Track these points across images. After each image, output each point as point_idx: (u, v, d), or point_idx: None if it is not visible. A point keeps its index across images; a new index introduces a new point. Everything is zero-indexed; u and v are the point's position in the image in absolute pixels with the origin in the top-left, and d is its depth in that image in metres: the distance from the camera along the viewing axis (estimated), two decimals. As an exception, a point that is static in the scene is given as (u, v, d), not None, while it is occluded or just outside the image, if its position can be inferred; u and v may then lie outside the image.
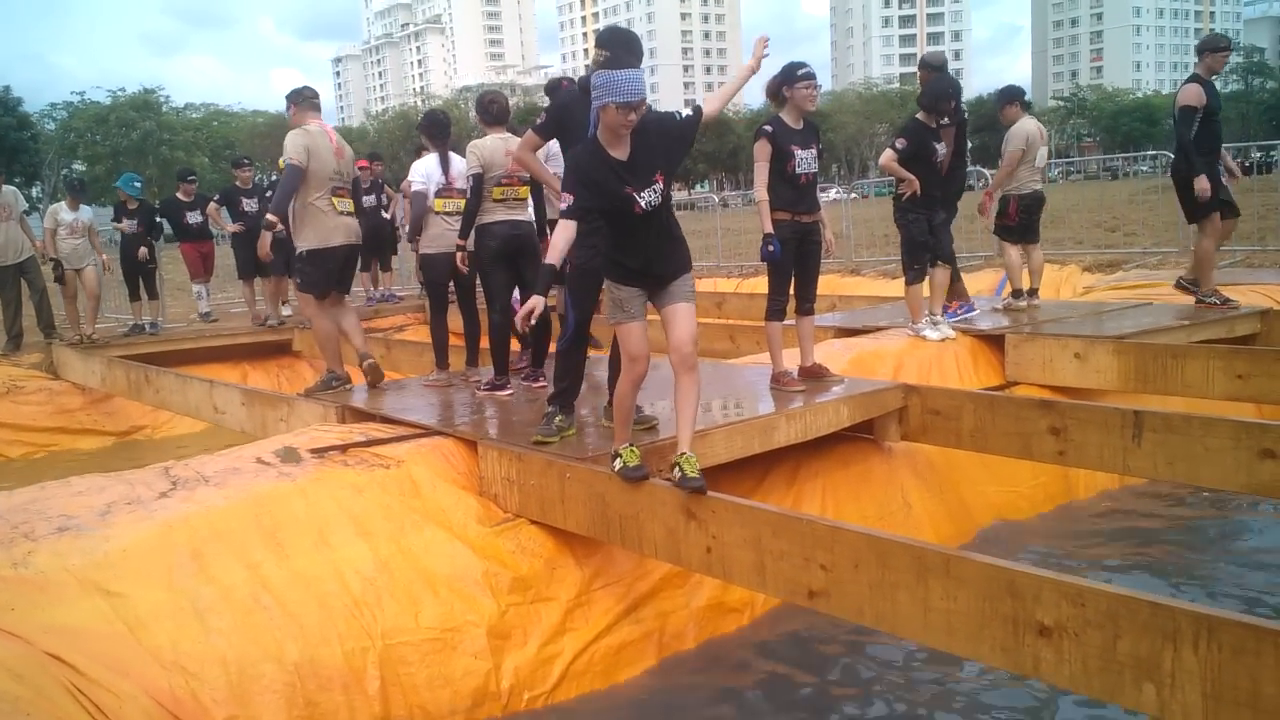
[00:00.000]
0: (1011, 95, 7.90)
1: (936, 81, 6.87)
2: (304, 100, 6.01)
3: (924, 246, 6.79)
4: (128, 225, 10.33)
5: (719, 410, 5.07)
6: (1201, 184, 6.96)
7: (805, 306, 5.59)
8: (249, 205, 10.61)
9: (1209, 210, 7.16)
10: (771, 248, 5.24)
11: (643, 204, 3.75)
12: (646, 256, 3.87)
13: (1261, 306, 7.29)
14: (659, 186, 3.79)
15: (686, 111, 3.90)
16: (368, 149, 23.81)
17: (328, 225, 5.92)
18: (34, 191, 54.99)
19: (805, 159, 5.31)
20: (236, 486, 4.18)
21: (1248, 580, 4.72)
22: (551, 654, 4.00)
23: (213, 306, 11.85)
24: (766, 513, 3.54)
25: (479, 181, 5.65)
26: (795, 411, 4.94)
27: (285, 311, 11.23)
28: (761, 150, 5.32)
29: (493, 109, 5.87)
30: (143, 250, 10.44)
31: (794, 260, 5.45)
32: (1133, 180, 24.97)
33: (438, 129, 6.37)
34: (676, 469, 3.77)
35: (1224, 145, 7.28)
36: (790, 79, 5.30)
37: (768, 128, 5.33)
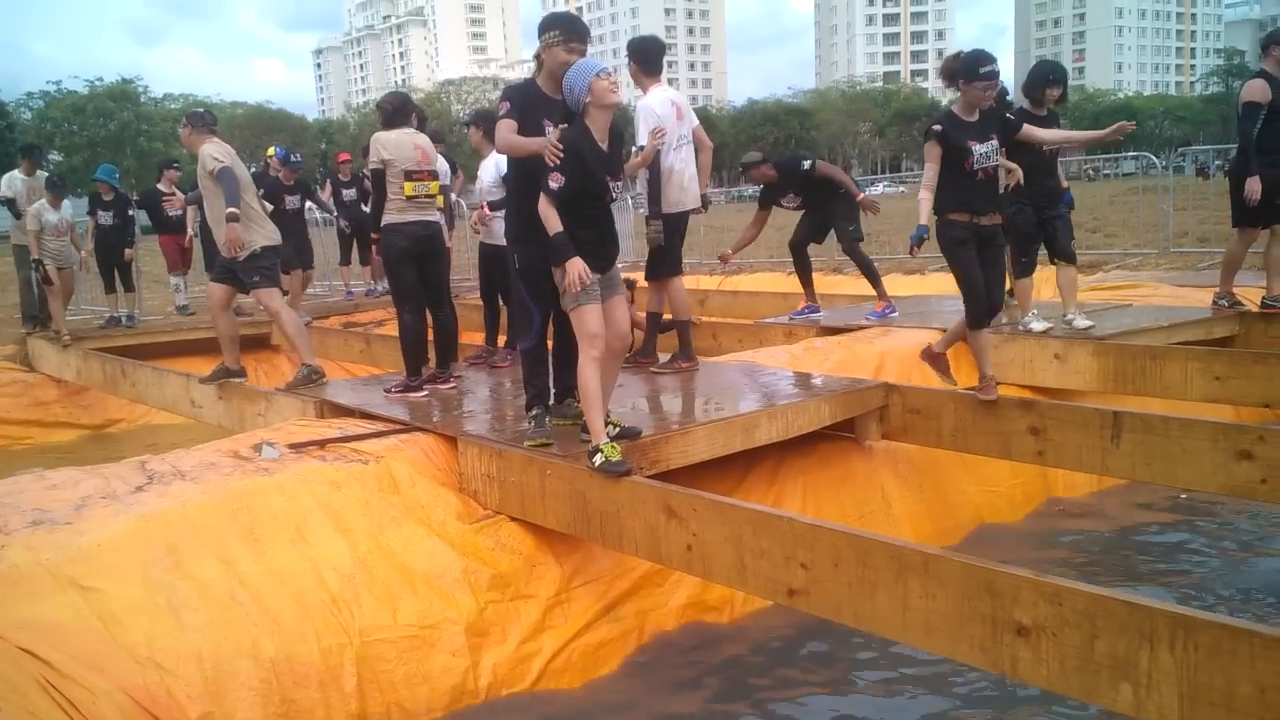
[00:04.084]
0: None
1: (1039, 66, 6.62)
2: (203, 123, 6.30)
3: (1031, 238, 6.59)
4: (103, 218, 10.24)
5: (700, 408, 5.06)
6: (1252, 185, 6.59)
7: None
8: None
9: (1253, 219, 6.84)
10: (913, 233, 5.01)
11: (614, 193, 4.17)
12: (606, 242, 4.21)
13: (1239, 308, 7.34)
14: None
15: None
16: (349, 142, 23.67)
17: (269, 224, 6.34)
18: (9, 182, 54.25)
19: (984, 153, 5.00)
20: (213, 482, 4.14)
21: (1223, 581, 4.77)
22: (530, 652, 3.99)
23: (190, 299, 11.72)
24: (747, 511, 3.54)
25: (380, 177, 5.65)
26: (776, 410, 4.94)
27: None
28: (930, 152, 5.06)
29: (390, 109, 5.86)
30: (129, 252, 10.49)
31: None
32: (1114, 181, 25.12)
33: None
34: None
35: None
36: (970, 76, 4.96)
37: (937, 127, 5.06)
